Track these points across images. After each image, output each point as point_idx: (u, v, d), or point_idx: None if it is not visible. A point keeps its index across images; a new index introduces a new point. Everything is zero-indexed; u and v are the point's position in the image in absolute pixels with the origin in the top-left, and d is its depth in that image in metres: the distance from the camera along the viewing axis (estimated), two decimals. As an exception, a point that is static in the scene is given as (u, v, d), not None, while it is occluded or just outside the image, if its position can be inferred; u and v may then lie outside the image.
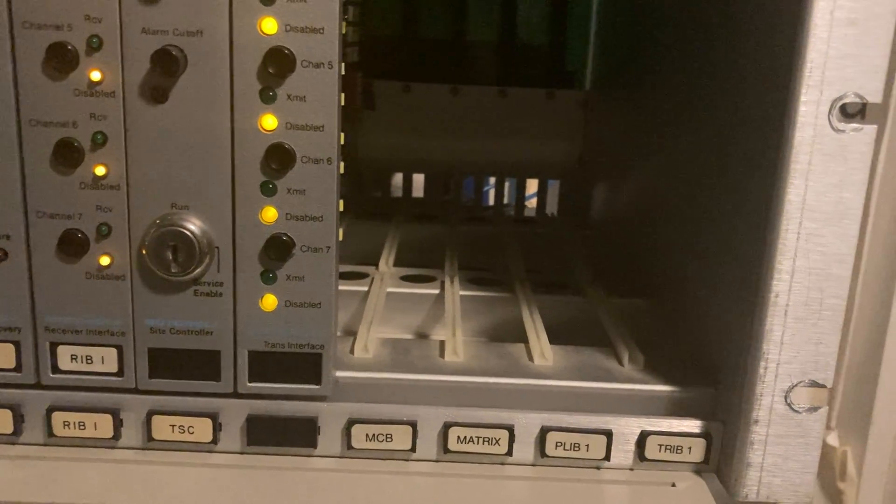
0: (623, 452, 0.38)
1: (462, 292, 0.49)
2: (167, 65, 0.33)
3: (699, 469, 0.38)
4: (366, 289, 0.50)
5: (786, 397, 0.35)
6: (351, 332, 0.44)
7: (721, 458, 0.38)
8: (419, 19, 0.74)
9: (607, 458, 0.38)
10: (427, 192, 0.78)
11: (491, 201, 0.80)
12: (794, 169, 0.33)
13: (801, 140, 0.33)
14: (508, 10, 0.74)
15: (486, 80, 0.73)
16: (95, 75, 0.34)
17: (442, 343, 0.42)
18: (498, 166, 0.75)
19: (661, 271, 0.50)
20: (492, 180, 0.79)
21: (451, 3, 0.74)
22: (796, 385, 0.35)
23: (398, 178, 0.78)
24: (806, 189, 0.33)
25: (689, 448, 0.38)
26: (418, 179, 0.78)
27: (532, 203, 0.79)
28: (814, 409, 0.35)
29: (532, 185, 0.78)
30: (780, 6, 0.34)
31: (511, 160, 0.74)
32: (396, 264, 0.55)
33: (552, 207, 0.77)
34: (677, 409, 0.39)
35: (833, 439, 0.38)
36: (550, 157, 0.74)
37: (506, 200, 0.79)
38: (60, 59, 0.33)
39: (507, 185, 0.79)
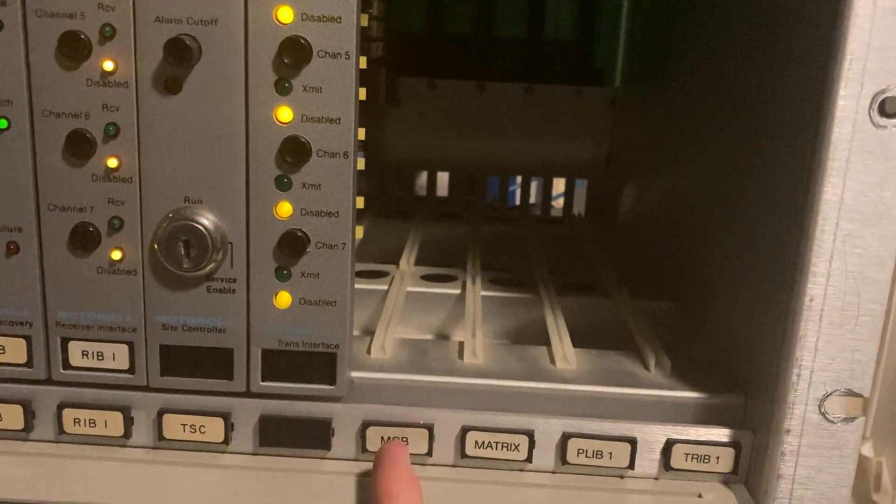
0: (648, 461, 0.37)
1: (483, 293, 0.48)
2: (181, 55, 0.32)
3: (727, 480, 0.37)
4: (385, 288, 0.49)
5: (820, 406, 0.34)
6: (369, 332, 0.43)
7: (750, 468, 0.36)
8: (445, 15, 0.73)
9: (631, 466, 0.37)
10: (451, 192, 0.77)
11: (516, 201, 0.79)
12: (831, 167, 0.32)
13: (839, 136, 0.31)
14: (536, 5, 0.73)
15: (513, 77, 0.72)
16: (108, 65, 0.33)
17: (461, 344, 0.41)
18: (524, 165, 0.74)
19: (688, 273, 0.49)
20: (518, 179, 0.77)
21: (477, -2, 0.73)
22: (831, 394, 0.34)
23: (422, 177, 0.77)
24: (843, 188, 0.32)
25: (717, 458, 0.36)
26: (443, 178, 0.77)
27: (559, 203, 0.78)
28: (849, 419, 0.34)
29: (559, 185, 0.77)
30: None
31: (537, 159, 0.73)
32: (418, 263, 0.54)
33: (579, 207, 0.76)
34: (705, 416, 0.37)
35: (868, 450, 0.36)
36: (578, 156, 0.73)
37: (532, 200, 0.77)
38: (73, 49, 0.33)
39: (533, 184, 0.78)
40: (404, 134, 0.72)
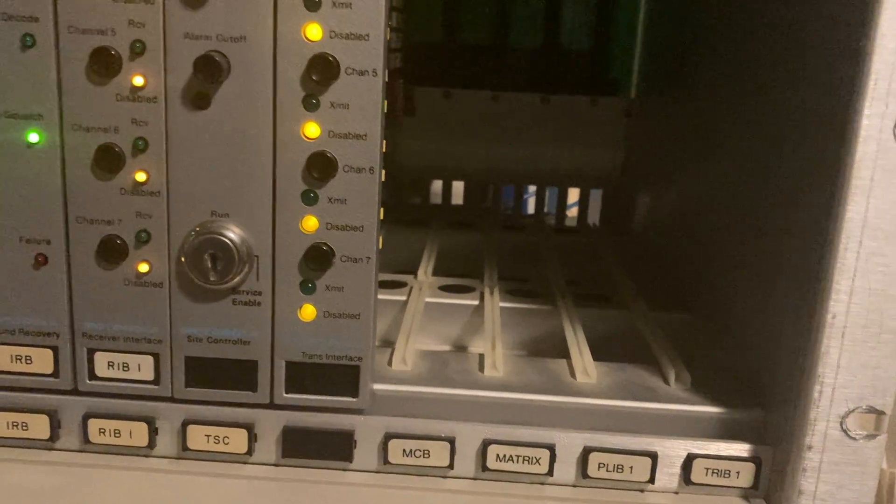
0: (668, 475, 0.37)
1: (502, 304, 0.48)
2: (210, 71, 0.33)
3: (747, 494, 0.37)
4: (404, 298, 0.49)
5: (841, 423, 0.34)
6: (388, 342, 0.43)
7: (770, 483, 0.37)
8: (461, 25, 0.74)
9: (651, 480, 0.37)
10: (466, 200, 0.77)
11: (530, 210, 0.79)
12: (854, 185, 0.32)
13: (863, 154, 0.31)
14: (552, 16, 0.73)
15: (528, 87, 0.72)
16: (138, 80, 0.33)
17: (481, 357, 0.41)
18: (539, 174, 0.74)
19: (706, 285, 0.49)
20: (532, 188, 0.78)
21: (493, 8, 0.73)
22: (853, 410, 0.34)
23: (437, 185, 0.78)
24: (867, 206, 0.32)
25: (738, 472, 0.37)
26: (457, 186, 0.77)
27: (573, 212, 0.78)
28: (871, 436, 0.34)
29: (573, 194, 0.77)
30: (844, 13, 0.32)
31: (552, 168, 0.73)
32: (434, 273, 0.54)
33: (594, 217, 0.76)
34: (725, 431, 0.37)
35: (882, 462, 0.36)
36: (593, 166, 0.73)
37: (546, 209, 0.78)
38: (103, 64, 0.33)
39: (546, 193, 0.78)
40: (420, 143, 0.72)
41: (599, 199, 0.76)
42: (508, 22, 0.73)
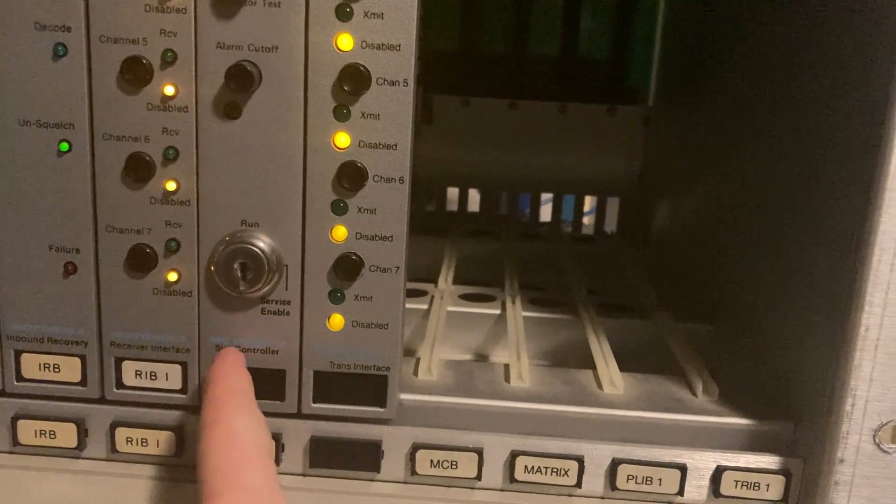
0: (697, 488, 0.37)
1: (524, 313, 0.48)
2: (241, 80, 0.33)
3: (777, 508, 0.37)
4: (425, 307, 0.49)
5: (874, 437, 0.34)
6: (409, 351, 0.43)
7: (801, 497, 0.36)
8: (479, 33, 0.74)
9: (680, 493, 0.37)
10: (482, 207, 0.77)
11: (546, 217, 0.79)
12: (889, 197, 0.32)
13: (898, 166, 0.31)
14: (570, 23, 0.73)
15: (546, 96, 0.72)
16: (169, 90, 0.33)
17: (506, 367, 0.41)
18: (556, 182, 0.74)
19: (730, 295, 0.49)
20: (548, 195, 0.77)
21: (511, 17, 0.73)
22: (886, 424, 0.33)
23: (452, 192, 0.77)
24: (902, 219, 0.32)
25: (767, 485, 0.36)
26: (472, 193, 0.77)
27: (586, 220, 0.78)
28: (904, 449, 0.34)
29: (587, 202, 0.77)
30: (880, 23, 0.32)
31: (570, 176, 0.73)
32: (454, 281, 0.54)
33: (611, 225, 0.76)
34: (755, 443, 0.37)
35: None
36: (610, 174, 0.73)
37: (562, 217, 0.77)
38: (135, 73, 0.33)
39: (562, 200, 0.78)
40: (437, 150, 0.72)
41: (616, 206, 0.75)
42: (526, 30, 0.73)
